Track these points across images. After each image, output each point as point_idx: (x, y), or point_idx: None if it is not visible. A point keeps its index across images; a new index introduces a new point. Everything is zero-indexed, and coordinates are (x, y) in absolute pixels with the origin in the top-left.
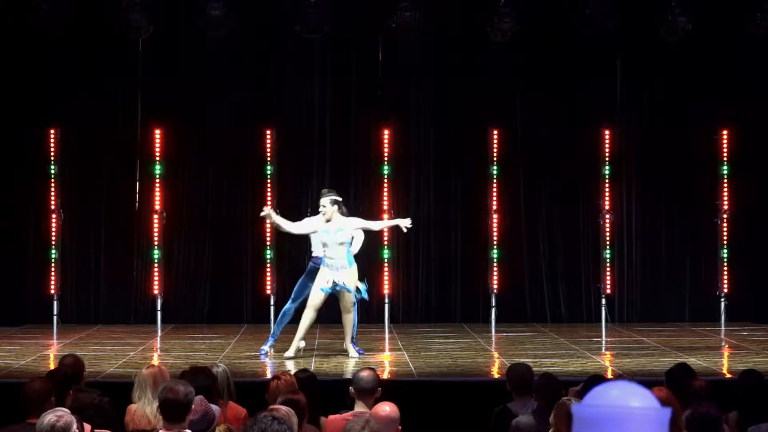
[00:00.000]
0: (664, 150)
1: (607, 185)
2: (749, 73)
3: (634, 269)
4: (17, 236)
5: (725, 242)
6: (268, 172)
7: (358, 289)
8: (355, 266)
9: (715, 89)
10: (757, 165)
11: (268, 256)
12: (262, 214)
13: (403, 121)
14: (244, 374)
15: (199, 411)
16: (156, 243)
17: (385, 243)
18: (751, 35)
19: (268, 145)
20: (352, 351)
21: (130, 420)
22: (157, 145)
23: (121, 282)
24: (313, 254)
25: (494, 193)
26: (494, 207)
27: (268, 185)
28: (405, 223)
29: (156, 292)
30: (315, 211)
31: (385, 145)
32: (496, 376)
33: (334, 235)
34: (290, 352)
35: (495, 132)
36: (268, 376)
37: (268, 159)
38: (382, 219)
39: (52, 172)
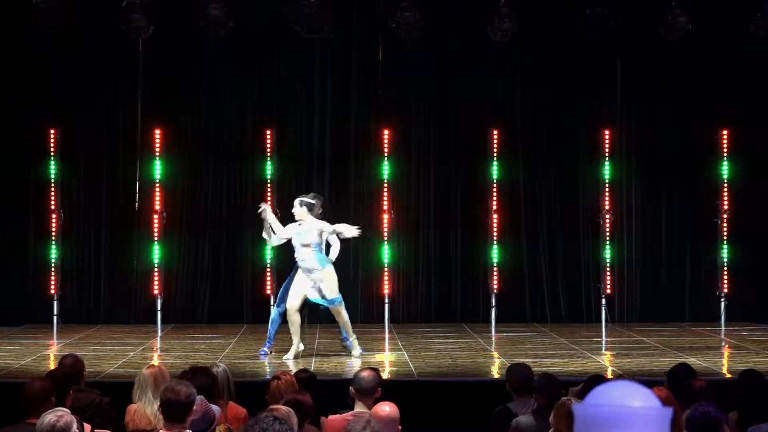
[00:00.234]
0: (664, 150)
1: (607, 185)
2: (749, 73)
3: (634, 269)
4: (17, 236)
5: (725, 242)
6: (268, 172)
7: (323, 297)
8: (328, 267)
9: (715, 89)
10: (757, 165)
11: (268, 257)
12: (259, 210)
13: (403, 121)
14: (244, 374)
15: (199, 411)
16: (156, 243)
17: (385, 243)
18: (751, 35)
19: (268, 145)
20: (356, 349)
21: (130, 420)
22: (157, 145)
23: (121, 282)
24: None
25: (494, 193)
26: (494, 207)
27: (268, 185)
28: (352, 232)
29: (156, 292)
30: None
31: (385, 145)
32: (496, 376)
33: (298, 237)
34: (289, 356)
35: (495, 132)
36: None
37: (268, 159)
38: (381, 219)
39: (52, 172)
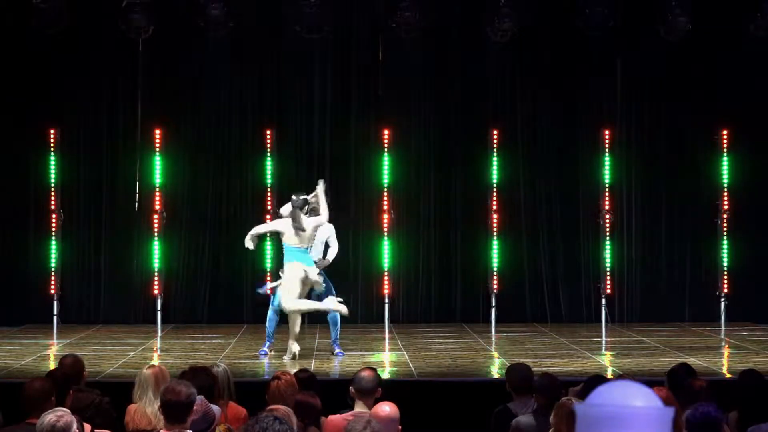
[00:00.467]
0: (664, 150)
1: (607, 185)
2: (749, 73)
3: (634, 269)
4: (17, 236)
5: (725, 242)
6: (268, 172)
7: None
8: (289, 265)
9: (715, 89)
10: (757, 165)
11: (268, 257)
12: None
13: (403, 121)
14: (244, 374)
15: (199, 411)
16: (156, 243)
17: (385, 243)
18: (751, 35)
19: (268, 145)
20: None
21: (130, 420)
22: (157, 144)
23: (121, 282)
24: None
25: (494, 193)
26: (494, 207)
27: (268, 185)
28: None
29: (156, 292)
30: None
31: (385, 145)
32: (496, 376)
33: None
34: (287, 357)
35: (495, 132)
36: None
37: (268, 159)
38: (381, 219)
39: (52, 172)
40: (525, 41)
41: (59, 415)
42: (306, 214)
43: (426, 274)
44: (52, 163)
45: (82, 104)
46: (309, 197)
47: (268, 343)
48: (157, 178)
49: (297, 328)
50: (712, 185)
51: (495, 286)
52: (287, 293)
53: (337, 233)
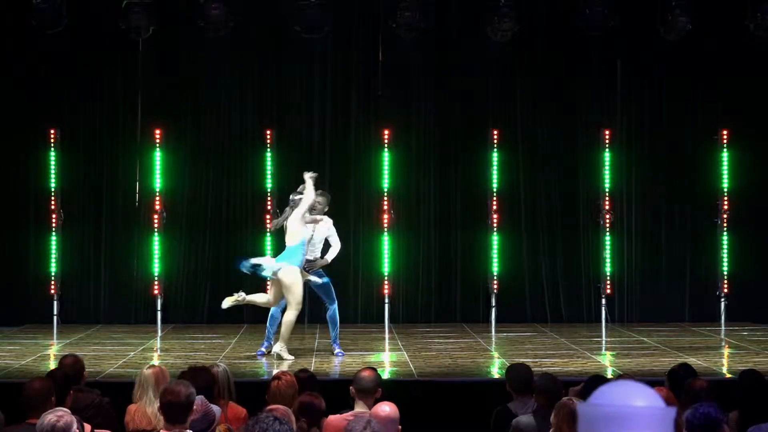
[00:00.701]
0: (664, 150)
1: (606, 185)
2: (749, 73)
3: (634, 269)
4: (18, 236)
5: (725, 242)
6: (268, 172)
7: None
8: (280, 264)
9: (715, 89)
10: (757, 165)
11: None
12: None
13: (403, 121)
14: (244, 374)
15: (199, 411)
16: (156, 243)
17: (385, 243)
18: (751, 35)
19: (268, 145)
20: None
21: (130, 420)
22: (157, 145)
23: (121, 282)
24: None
25: (494, 193)
26: (494, 207)
27: (268, 185)
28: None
29: (156, 292)
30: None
31: (385, 145)
32: (496, 376)
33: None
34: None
35: (495, 132)
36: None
37: (268, 159)
38: (381, 219)
39: (52, 172)
40: (525, 41)
41: (59, 415)
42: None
43: (426, 274)
44: (52, 163)
45: (82, 104)
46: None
47: (266, 344)
48: (157, 178)
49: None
50: (712, 185)
51: (495, 286)
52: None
53: (337, 233)
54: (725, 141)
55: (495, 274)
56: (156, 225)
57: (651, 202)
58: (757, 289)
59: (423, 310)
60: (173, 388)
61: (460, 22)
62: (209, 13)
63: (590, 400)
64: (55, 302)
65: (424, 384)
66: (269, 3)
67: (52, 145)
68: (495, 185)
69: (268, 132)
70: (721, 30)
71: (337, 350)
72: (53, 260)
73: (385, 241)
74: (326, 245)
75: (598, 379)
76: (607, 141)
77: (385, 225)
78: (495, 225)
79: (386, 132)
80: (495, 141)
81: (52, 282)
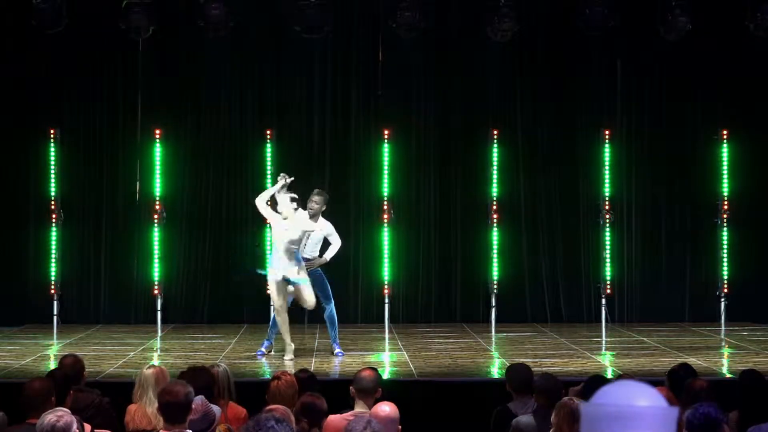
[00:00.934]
0: (663, 150)
1: (606, 185)
2: (749, 73)
3: (634, 269)
4: (17, 236)
5: (725, 242)
6: (268, 172)
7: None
8: (269, 269)
9: (715, 89)
10: (756, 165)
11: (268, 256)
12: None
13: (403, 121)
14: (244, 374)
15: (199, 411)
16: (156, 243)
17: (385, 243)
18: (751, 35)
19: (268, 145)
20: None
21: (130, 420)
22: (157, 145)
23: (121, 282)
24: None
25: (494, 193)
26: (494, 207)
27: (269, 185)
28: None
29: (156, 292)
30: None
31: (385, 145)
32: (496, 376)
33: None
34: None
35: (495, 132)
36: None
37: (268, 159)
38: (382, 219)
39: (52, 171)
40: (525, 41)
41: (59, 415)
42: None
43: (426, 274)
44: (52, 163)
45: (82, 104)
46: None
47: (266, 344)
48: (157, 178)
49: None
50: (712, 185)
51: (495, 286)
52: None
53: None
54: (725, 141)
55: (495, 274)
56: (156, 225)
57: (651, 202)
58: (757, 289)
59: (423, 310)
60: (171, 389)
61: (460, 22)
62: (209, 13)
63: (593, 400)
64: (55, 302)
65: (424, 384)
66: (269, 3)
67: (52, 145)
68: (495, 185)
69: (268, 132)
70: (721, 30)
71: (337, 350)
72: (53, 260)
73: (385, 241)
74: (325, 244)
75: (598, 379)
76: (606, 141)
77: (385, 225)
78: (495, 225)
79: (386, 132)
80: (495, 141)
81: (52, 282)
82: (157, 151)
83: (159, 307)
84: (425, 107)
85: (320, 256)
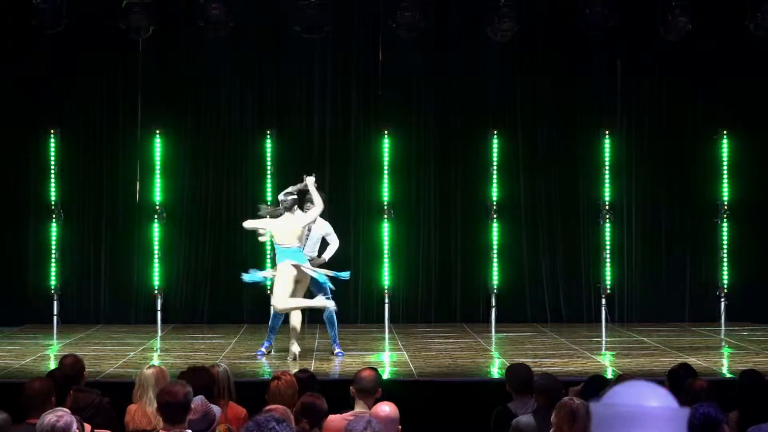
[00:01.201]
0: (663, 150)
1: (607, 185)
2: (749, 73)
3: (634, 269)
4: (17, 236)
5: (725, 242)
6: (268, 172)
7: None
8: (280, 264)
9: (715, 89)
10: (756, 165)
11: (268, 256)
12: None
13: (403, 121)
14: (244, 374)
15: (199, 411)
16: (156, 243)
17: (385, 243)
18: (751, 35)
19: (268, 145)
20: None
21: (130, 420)
22: (157, 145)
23: (121, 282)
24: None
25: (494, 193)
26: (494, 207)
27: (268, 185)
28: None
29: (156, 292)
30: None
31: (385, 145)
32: (496, 376)
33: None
34: (290, 358)
35: (495, 132)
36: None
37: (268, 159)
38: (382, 219)
39: (52, 172)
40: (525, 41)
41: (59, 415)
42: (293, 211)
43: (426, 274)
44: (52, 163)
45: (82, 104)
46: (293, 189)
47: (266, 344)
48: (157, 179)
49: (298, 328)
50: (712, 185)
51: (495, 286)
52: (278, 293)
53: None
54: (725, 141)
55: (495, 274)
56: (156, 225)
57: (651, 202)
58: (757, 289)
59: (423, 310)
60: (170, 389)
61: (460, 22)
62: (209, 13)
63: (604, 400)
64: (55, 302)
65: (424, 384)
66: (269, 3)
67: (53, 145)
68: (495, 185)
69: (268, 132)
70: (721, 30)
71: (337, 350)
72: (53, 260)
73: (385, 241)
74: (324, 244)
75: (598, 379)
76: (606, 141)
77: (385, 224)
78: (495, 225)
79: (386, 132)
80: (495, 141)
81: (52, 282)
82: (157, 151)
83: (159, 307)
84: (425, 107)
85: (319, 256)
